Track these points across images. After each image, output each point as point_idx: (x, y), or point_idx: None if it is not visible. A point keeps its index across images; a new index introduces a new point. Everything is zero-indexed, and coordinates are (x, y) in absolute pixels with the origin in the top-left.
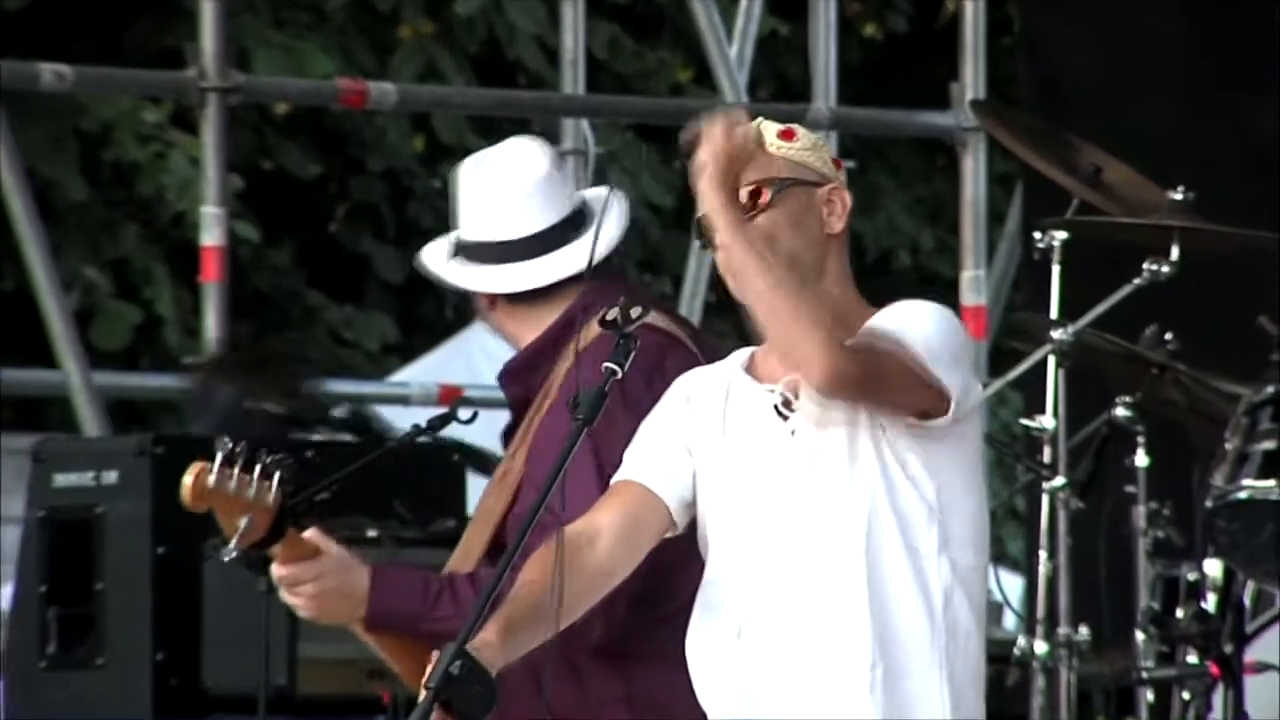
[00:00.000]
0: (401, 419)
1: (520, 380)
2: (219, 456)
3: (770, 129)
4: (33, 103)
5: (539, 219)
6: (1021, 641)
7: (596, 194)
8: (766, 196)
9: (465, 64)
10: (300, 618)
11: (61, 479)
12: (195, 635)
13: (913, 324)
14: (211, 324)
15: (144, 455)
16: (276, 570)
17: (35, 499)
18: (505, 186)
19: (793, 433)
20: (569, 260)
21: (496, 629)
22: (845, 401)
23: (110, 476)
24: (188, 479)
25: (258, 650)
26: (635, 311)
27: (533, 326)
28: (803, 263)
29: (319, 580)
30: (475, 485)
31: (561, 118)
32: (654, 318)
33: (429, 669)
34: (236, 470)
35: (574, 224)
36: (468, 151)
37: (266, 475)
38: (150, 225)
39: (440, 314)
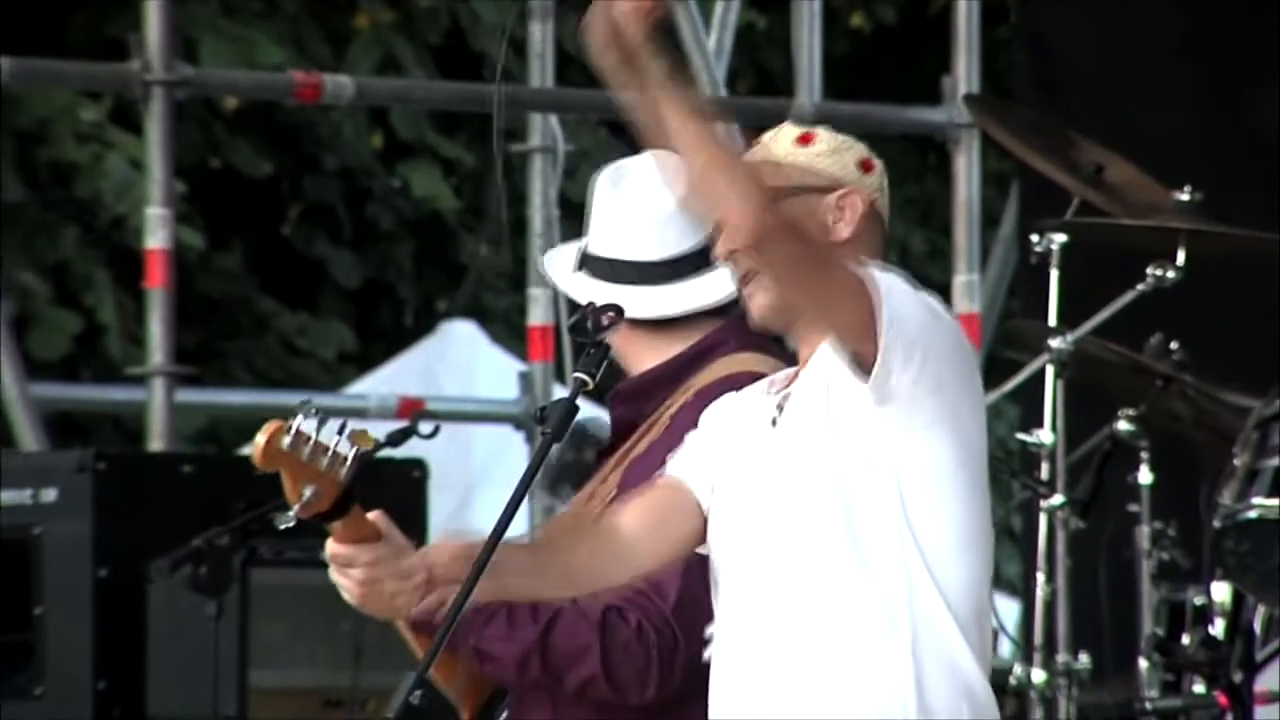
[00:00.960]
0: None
1: (630, 404)
2: (297, 419)
3: (789, 134)
4: None
5: (675, 243)
6: (1018, 669)
7: None
8: None
9: (426, 56)
10: (251, 644)
11: None
12: (139, 663)
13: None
14: (156, 332)
15: (85, 471)
16: (331, 547)
17: None
18: (643, 204)
19: (774, 431)
20: (702, 291)
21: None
22: (775, 272)
23: (49, 494)
24: (261, 437)
25: (206, 679)
26: (606, 319)
27: (653, 353)
28: None
29: (372, 567)
30: (437, 504)
31: (529, 113)
32: (759, 363)
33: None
34: (313, 437)
35: (711, 251)
36: (428, 148)
37: (342, 449)
38: (90, 228)
39: (399, 321)
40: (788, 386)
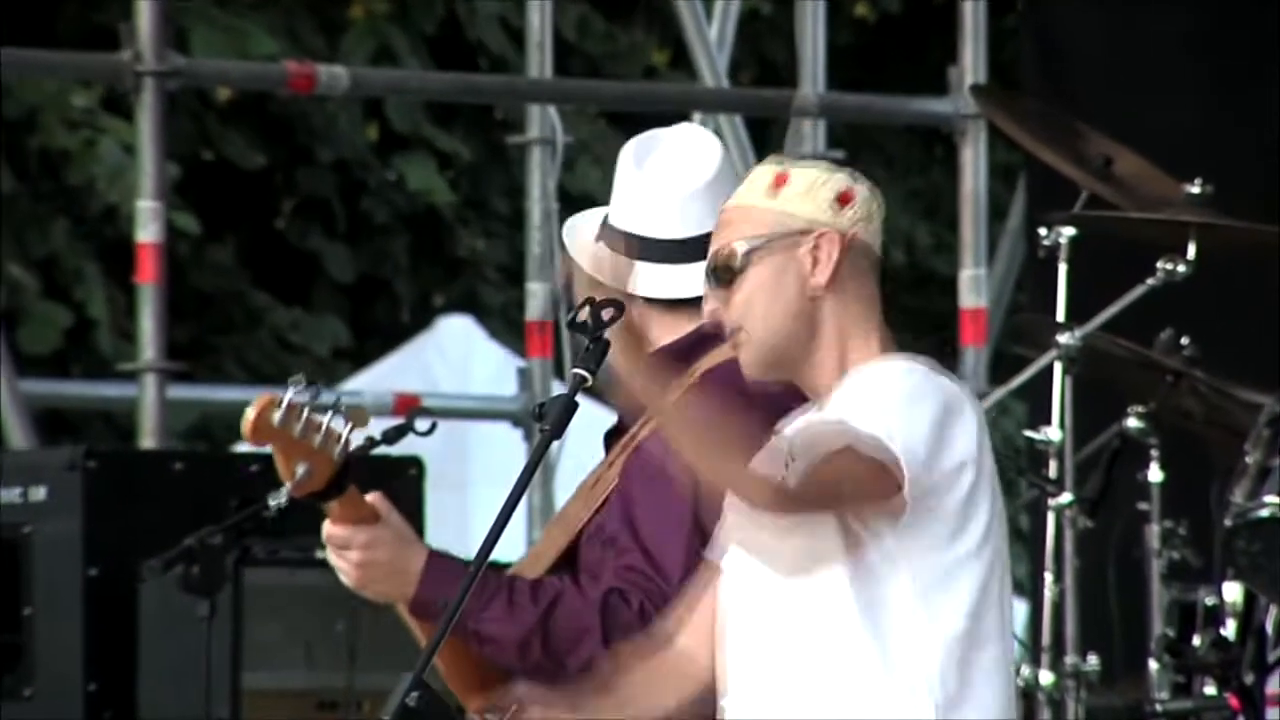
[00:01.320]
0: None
1: None
2: (289, 393)
3: (763, 177)
4: None
5: (697, 223)
6: (1025, 671)
7: None
8: (735, 265)
9: (422, 46)
10: (244, 645)
11: None
12: (130, 664)
13: (862, 400)
14: (147, 327)
15: (75, 469)
16: (328, 528)
17: None
18: (667, 181)
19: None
20: None
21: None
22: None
23: (39, 492)
24: (251, 412)
25: (198, 680)
26: (607, 313)
27: (663, 331)
28: (780, 332)
29: (369, 549)
30: (434, 502)
31: (527, 104)
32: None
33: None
34: (306, 412)
35: None
36: (424, 141)
37: (336, 426)
38: (81, 220)
39: (395, 317)
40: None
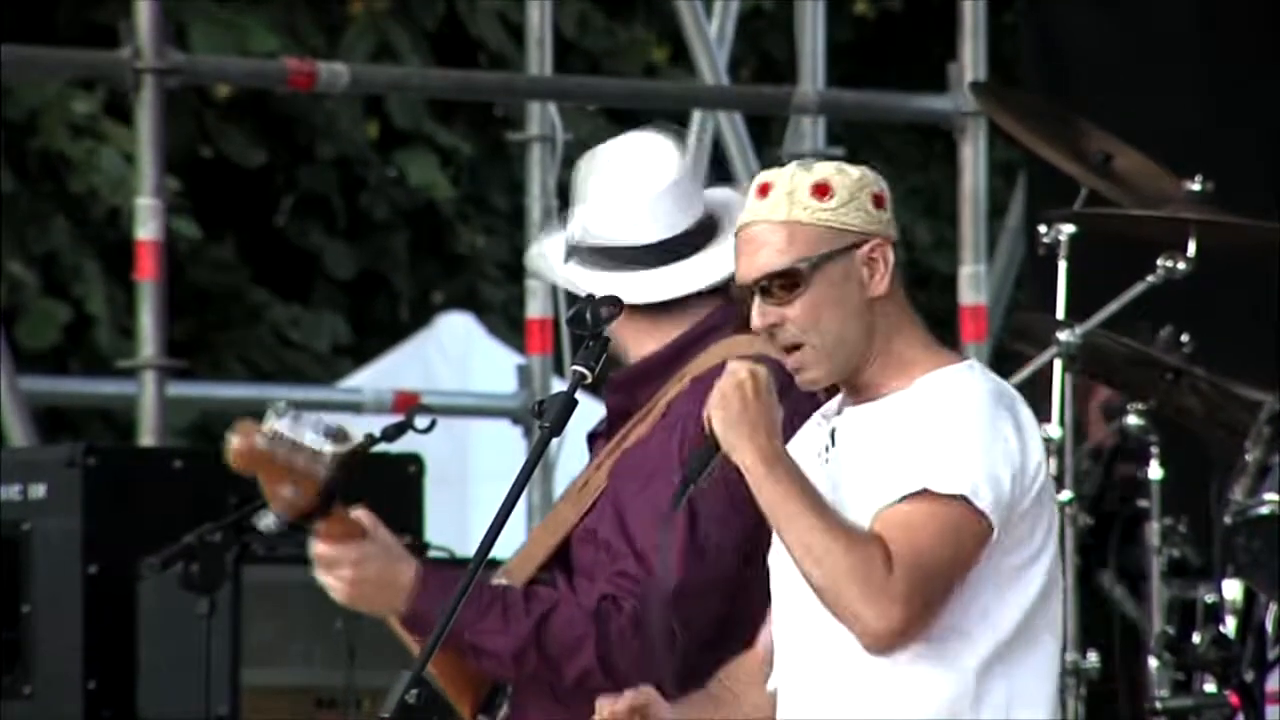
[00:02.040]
0: (353, 428)
1: (625, 391)
2: (272, 419)
3: (803, 185)
4: None
5: (667, 225)
6: None
7: (722, 197)
8: (798, 280)
9: (422, 43)
10: (243, 642)
11: None
12: (130, 662)
13: (942, 441)
14: (147, 324)
15: (74, 466)
16: (316, 547)
17: None
18: (633, 186)
19: (826, 462)
20: (696, 272)
21: None
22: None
23: (38, 490)
24: (235, 439)
25: (197, 678)
26: (605, 311)
27: (649, 338)
28: (847, 341)
29: (359, 565)
30: (434, 499)
31: (527, 101)
32: (756, 344)
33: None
34: (289, 436)
35: (704, 231)
36: (424, 137)
37: (319, 446)
38: (82, 222)
39: (395, 314)
40: (836, 415)
